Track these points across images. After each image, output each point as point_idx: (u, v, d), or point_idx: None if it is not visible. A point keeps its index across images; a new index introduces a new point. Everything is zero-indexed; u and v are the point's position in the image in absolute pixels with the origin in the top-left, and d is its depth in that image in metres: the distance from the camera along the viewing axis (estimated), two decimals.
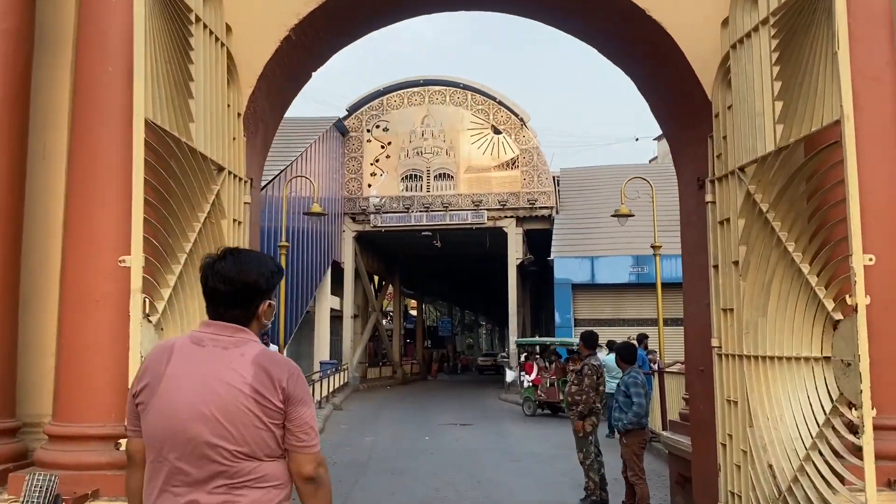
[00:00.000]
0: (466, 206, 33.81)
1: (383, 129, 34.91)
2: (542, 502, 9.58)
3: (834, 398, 4.28)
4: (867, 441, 3.77)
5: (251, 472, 2.30)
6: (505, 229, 33.83)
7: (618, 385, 8.92)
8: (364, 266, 36.59)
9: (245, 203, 5.56)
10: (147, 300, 4.13)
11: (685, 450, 6.99)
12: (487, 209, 33.63)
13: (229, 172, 5.22)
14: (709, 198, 5.52)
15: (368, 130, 34.91)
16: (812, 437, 4.35)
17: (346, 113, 35.16)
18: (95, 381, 4.61)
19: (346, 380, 30.35)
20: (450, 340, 61.45)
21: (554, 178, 34.27)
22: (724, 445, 5.21)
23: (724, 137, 5.31)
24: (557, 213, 33.19)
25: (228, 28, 5.41)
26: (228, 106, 5.32)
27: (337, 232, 33.44)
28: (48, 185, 5.27)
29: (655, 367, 14.70)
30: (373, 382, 35.40)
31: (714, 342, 5.36)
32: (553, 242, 31.27)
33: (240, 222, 5.42)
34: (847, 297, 4.00)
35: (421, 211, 33.96)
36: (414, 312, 57.62)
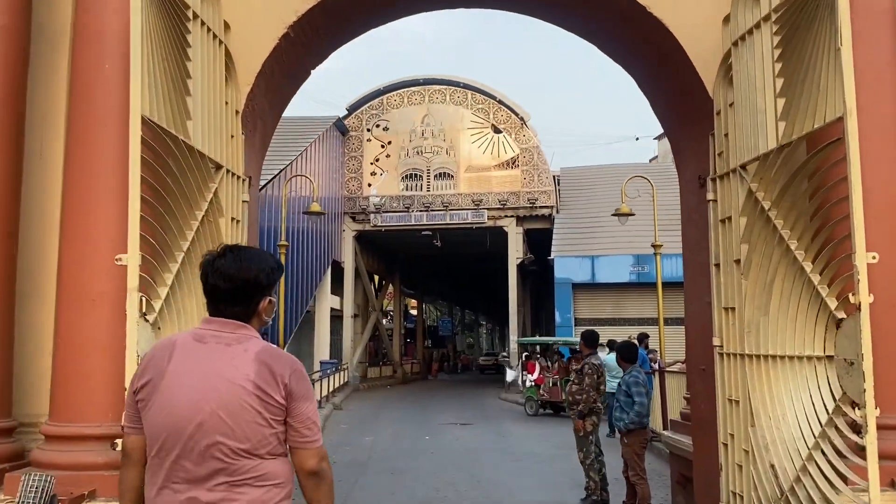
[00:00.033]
0: (466, 206, 33.80)
1: (383, 129, 34.89)
2: (543, 502, 9.55)
3: (837, 397, 4.24)
4: (871, 441, 3.73)
5: (251, 469, 2.29)
6: (505, 229, 33.81)
7: (619, 384, 8.89)
8: (364, 265, 36.57)
9: (243, 201, 5.52)
10: (144, 299, 4.10)
11: (686, 449, 6.96)
12: (488, 208, 33.62)
13: (227, 171, 5.19)
14: (710, 196, 5.49)
15: (368, 130, 34.88)
16: (815, 437, 4.32)
17: (346, 112, 35.14)
18: (92, 381, 4.57)
19: (346, 379, 30.33)
20: (450, 340, 61.44)
21: (554, 177, 34.26)
22: (725, 445, 5.17)
23: (726, 135, 5.27)
24: (558, 212, 33.17)
25: (226, 25, 5.37)
26: (226, 104, 5.29)
27: (337, 231, 33.42)
28: (45, 183, 5.23)
29: (656, 366, 14.67)
30: (373, 382, 35.38)
31: (715, 341, 5.33)
32: (553, 242, 31.25)
33: (238, 221, 5.39)
34: (850, 295, 3.96)
35: (421, 210, 33.94)
36: (414, 312, 57.61)
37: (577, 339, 11.93)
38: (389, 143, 34.75)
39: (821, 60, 4.24)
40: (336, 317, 33.82)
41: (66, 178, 4.94)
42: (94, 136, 4.83)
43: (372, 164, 34.73)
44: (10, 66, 5.04)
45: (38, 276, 5.13)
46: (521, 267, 34.38)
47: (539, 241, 33.72)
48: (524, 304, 39.10)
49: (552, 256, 30.64)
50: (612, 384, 12.18)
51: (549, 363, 22.60)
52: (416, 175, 34.42)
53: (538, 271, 36.54)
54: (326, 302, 32.01)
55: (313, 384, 21.23)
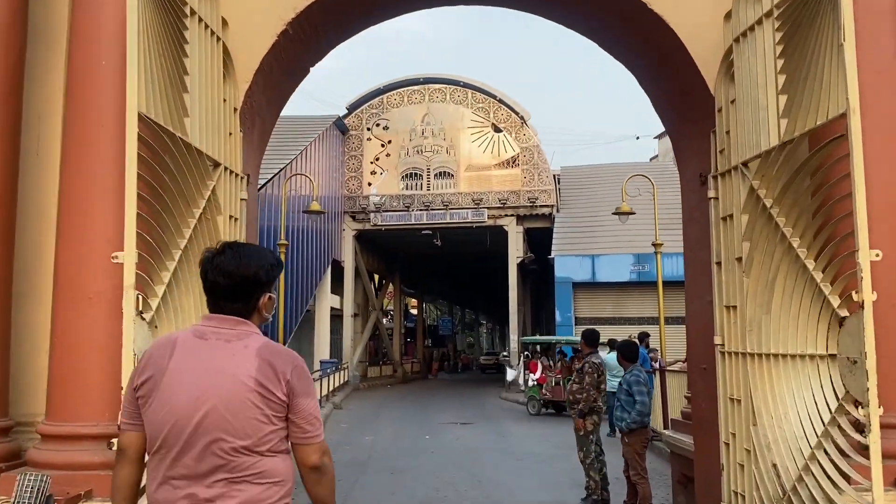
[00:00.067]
0: (467, 205, 33.77)
1: (383, 128, 34.86)
2: (543, 502, 9.51)
3: (840, 396, 4.22)
4: (874, 440, 3.69)
5: (251, 466, 2.29)
6: (505, 228, 33.78)
7: (619, 383, 8.85)
8: (364, 265, 36.55)
9: (242, 199, 5.48)
10: (140, 297, 4.07)
11: (687, 449, 6.93)
12: (488, 207, 33.59)
13: (225, 168, 5.15)
14: (711, 194, 5.45)
15: (368, 129, 34.85)
16: (817, 436, 4.29)
17: (346, 111, 35.11)
18: (89, 380, 4.54)
19: (346, 379, 30.31)
20: (450, 339, 61.44)
21: (554, 176, 34.24)
22: (727, 444, 5.14)
23: (727, 132, 5.24)
24: (558, 211, 33.15)
25: (224, 22, 5.33)
26: (224, 101, 5.25)
27: (337, 230, 33.39)
28: (42, 182, 5.18)
29: (657, 365, 14.65)
30: (373, 381, 35.37)
31: (717, 340, 5.29)
32: (554, 241, 31.22)
33: (236, 219, 5.35)
34: (853, 293, 3.93)
35: (421, 209, 33.91)
36: (414, 311, 57.60)
37: (579, 338, 11.92)
38: (389, 142, 34.72)
39: (823, 57, 4.21)
40: (336, 316, 33.80)
41: (63, 176, 4.90)
42: (91, 134, 4.79)
43: (372, 163, 34.70)
44: (7, 64, 4.99)
45: (35, 275, 5.09)
46: (521, 266, 34.36)
47: (539, 241, 33.69)
48: (524, 303, 39.08)
49: (552, 255, 30.61)
50: (612, 383, 12.15)
51: (552, 363, 22.57)
52: (416, 174, 34.39)
53: (538, 270, 36.52)
54: (326, 301, 31.99)
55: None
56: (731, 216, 5.17)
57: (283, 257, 17.13)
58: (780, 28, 4.57)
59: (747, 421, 4.85)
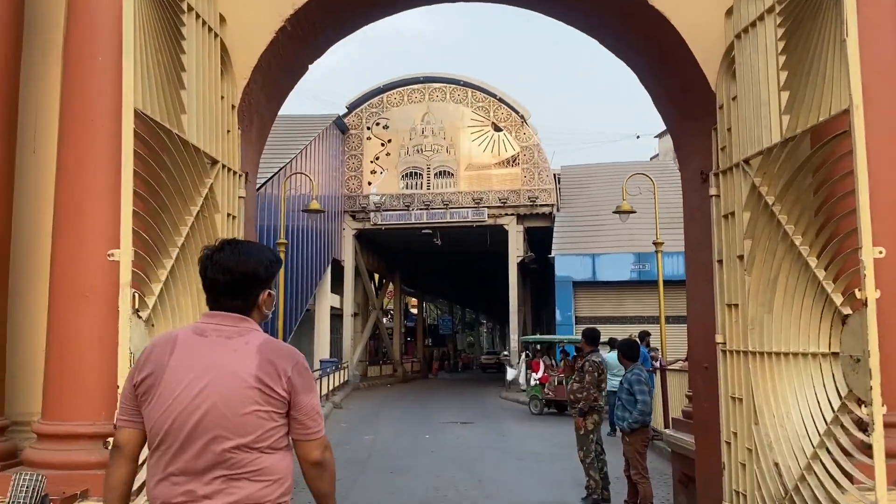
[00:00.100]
0: (467, 204, 33.72)
1: (383, 127, 34.81)
2: (544, 501, 9.47)
3: (842, 395, 4.18)
4: (877, 439, 3.66)
5: (249, 464, 2.29)
6: (505, 227, 33.72)
7: (620, 382, 8.81)
8: (364, 264, 36.51)
9: (240, 197, 5.46)
10: (137, 295, 4.03)
11: (688, 448, 6.90)
12: (488, 207, 33.54)
13: (223, 166, 5.12)
14: (713, 191, 5.42)
15: (368, 128, 34.81)
16: (820, 435, 4.25)
17: (346, 110, 35.06)
18: (85, 379, 4.50)
19: (346, 378, 30.28)
20: (450, 339, 61.43)
21: (555, 175, 34.18)
22: (728, 443, 5.11)
23: (729, 129, 5.21)
24: (558, 210, 33.09)
25: (222, 18, 5.30)
26: (222, 98, 5.22)
27: (337, 230, 33.35)
28: (38, 180, 5.14)
29: (657, 364, 14.61)
30: (373, 381, 35.34)
31: (718, 338, 5.26)
32: (554, 240, 31.17)
33: (234, 217, 5.32)
34: (856, 291, 3.89)
35: (421, 209, 33.87)
36: (414, 311, 57.55)
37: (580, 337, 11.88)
38: (389, 141, 34.67)
39: (826, 52, 4.17)
40: (336, 315, 33.76)
41: (59, 173, 4.86)
42: (87, 131, 4.76)
43: (372, 162, 34.66)
44: (3, 60, 4.96)
45: (32, 274, 5.06)
46: (521, 265, 34.31)
47: (539, 240, 33.64)
48: (525, 302, 39.03)
49: (553, 255, 30.56)
50: (613, 382, 12.11)
51: (554, 362, 22.55)
52: (416, 173, 34.34)
53: (539, 270, 36.48)
54: (326, 300, 31.95)
55: None
56: (732, 214, 5.14)
57: (282, 256, 17.09)
58: (782, 24, 4.53)
59: (749, 420, 4.82)
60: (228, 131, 5.29)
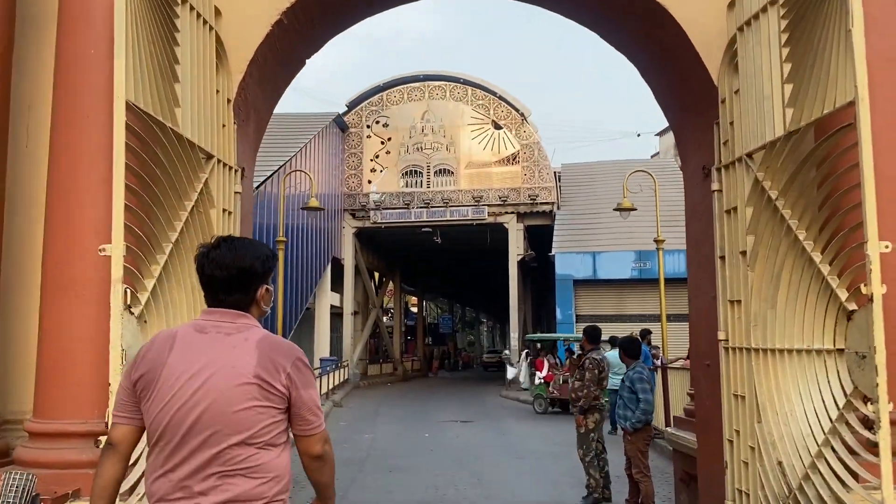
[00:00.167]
0: (467, 202, 33.64)
1: (383, 125, 34.73)
2: (544, 501, 9.41)
3: (848, 392, 4.11)
4: (883, 437, 3.59)
5: (245, 460, 2.28)
6: (506, 225, 33.63)
7: (622, 380, 8.75)
8: (364, 262, 36.45)
9: (236, 193, 5.39)
10: (129, 291, 3.96)
11: (690, 446, 6.84)
12: (488, 205, 33.45)
13: (218, 160, 5.05)
14: (715, 186, 5.35)
15: (368, 126, 34.72)
16: (824, 433, 4.18)
17: (346, 109, 34.96)
18: (77, 376, 4.43)
19: (346, 377, 30.23)
20: (451, 337, 61.39)
21: (555, 173, 34.09)
22: (731, 442, 5.05)
23: (731, 123, 5.14)
24: (559, 208, 33.01)
25: (217, 11, 5.24)
26: (217, 92, 5.15)
27: (337, 228, 33.28)
28: (31, 174, 5.08)
29: (658, 362, 14.55)
30: (373, 379, 35.29)
31: (721, 335, 5.20)
32: (554, 238, 31.09)
33: (230, 212, 5.25)
34: (862, 286, 3.82)
35: (421, 207, 33.77)
36: (415, 309, 57.51)
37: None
38: (389, 139, 34.59)
39: (830, 44, 4.11)
40: (336, 314, 33.70)
41: (51, 167, 4.79)
42: (79, 124, 4.69)
43: (372, 160, 34.57)
44: None
45: (24, 269, 4.99)
46: (521, 264, 34.23)
47: (540, 238, 33.56)
48: (525, 301, 38.96)
49: (553, 253, 30.48)
50: (614, 381, 12.05)
51: (559, 360, 22.50)
52: (416, 172, 34.25)
53: (539, 268, 36.39)
54: (326, 299, 31.89)
55: None
56: (735, 209, 5.07)
57: (281, 254, 17.02)
58: (786, 15, 4.47)
59: (752, 418, 4.76)
60: (224, 126, 5.22)
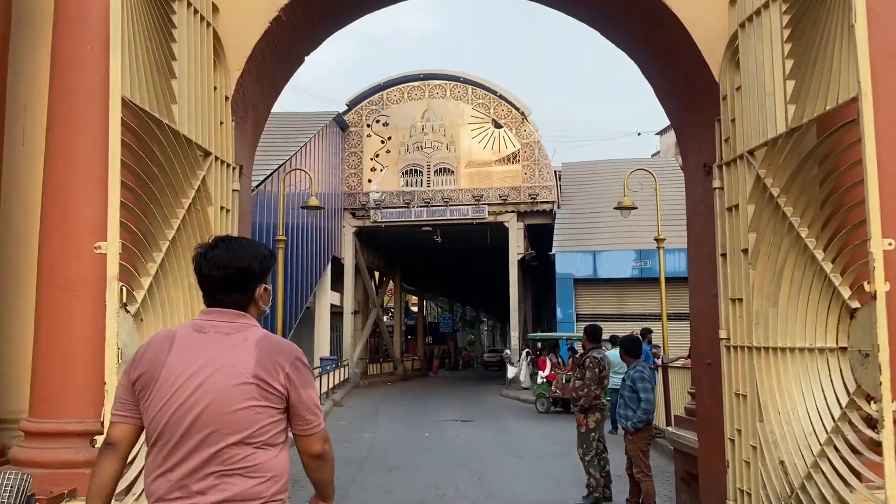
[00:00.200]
0: (467, 201, 33.58)
1: (383, 124, 34.68)
2: (544, 500, 9.37)
3: (850, 391, 4.08)
4: (887, 436, 3.56)
5: (243, 459, 2.28)
6: (506, 224, 33.58)
7: (623, 380, 8.71)
8: (364, 262, 36.41)
9: (234, 190, 5.35)
10: (125, 289, 3.92)
11: (691, 446, 6.80)
12: (488, 204, 33.39)
13: (216, 158, 5.02)
14: (716, 184, 5.32)
15: (368, 125, 34.67)
16: (827, 432, 4.15)
17: (346, 108, 34.90)
18: (73, 375, 4.39)
19: (346, 376, 30.20)
20: (451, 336, 61.32)
21: (555, 172, 34.03)
22: (732, 441, 5.01)
23: (733, 120, 5.11)
24: (559, 207, 32.95)
25: (215, 7, 5.21)
26: (215, 88, 5.12)
27: (337, 227, 33.23)
28: (27, 172, 5.04)
29: (659, 361, 14.52)
30: (373, 378, 35.26)
31: (722, 334, 5.16)
32: (555, 237, 31.03)
33: (228, 210, 5.22)
34: (865, 283, 3.78)
35: (421, 206, 33.72)
36: (415, 308, 57.48)
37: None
38: (389, 138, 34.54)
39: (833, 39, 4.07)
40: (336, 313, 33.66)
41: (47, 164, 4.75)
42: (75, 123, 4.65)
43: (372, 159, 34.52)
44: None
45: (21, 268, 4.95)
46: (522, 263, 34.18)
47: (540, 237, 33.52)
48: (525, 300, 38.91)
49: (553, 252, 30.43)
50: (615, 380, 12.01)
51: (561, 359, 22.46)
52: (416, 171, 34.20)
53: (539, 267, 36.33)
54: (326, 298, 31.85)
55: None
56: (736, 206, 5.04)
57: (281, 254, 16.98)
58: (788, 11, 4.44)
59: (753, 417, 4.72)
60: (222, 123, 5.19)
